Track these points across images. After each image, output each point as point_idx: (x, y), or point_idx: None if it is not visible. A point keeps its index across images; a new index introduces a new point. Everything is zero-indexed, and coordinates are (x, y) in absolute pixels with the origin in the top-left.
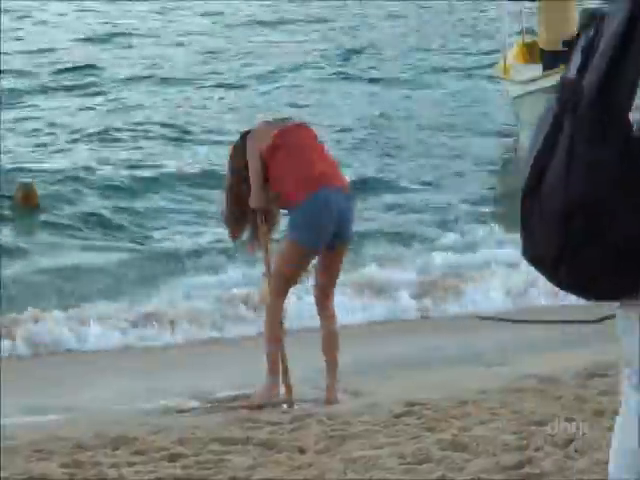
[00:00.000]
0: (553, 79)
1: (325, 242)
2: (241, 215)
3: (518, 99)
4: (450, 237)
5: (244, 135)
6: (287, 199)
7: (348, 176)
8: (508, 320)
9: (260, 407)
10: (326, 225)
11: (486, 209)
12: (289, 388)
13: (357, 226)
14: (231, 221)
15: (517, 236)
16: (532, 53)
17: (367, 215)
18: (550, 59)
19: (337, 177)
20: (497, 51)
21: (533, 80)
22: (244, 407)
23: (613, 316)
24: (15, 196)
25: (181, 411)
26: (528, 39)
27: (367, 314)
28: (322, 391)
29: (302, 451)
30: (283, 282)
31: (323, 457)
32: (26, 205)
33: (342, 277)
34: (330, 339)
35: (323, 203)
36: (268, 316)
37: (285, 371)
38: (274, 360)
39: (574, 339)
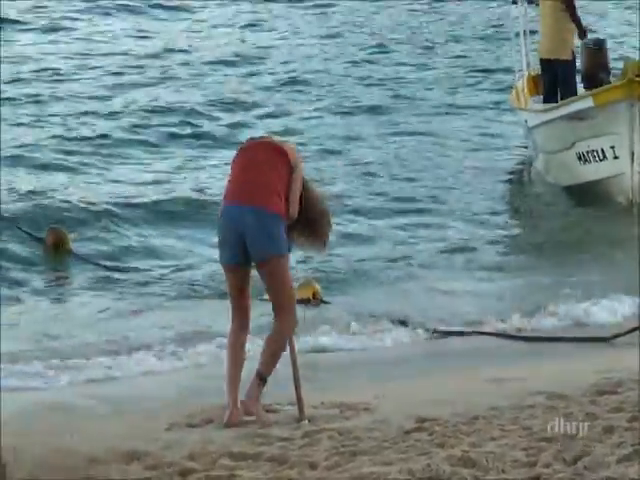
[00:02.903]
0: (569, 108)
1: (235, 259)
2: None
3: (535, 129)
4: None
5: None
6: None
7: None
8: (518, 337)
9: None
10: (227, 241)
11: None
12: (301, 402)
13: None
14: None
15: None
16: (540, 85)
17: None
18: (547, 68)
19: (256, 194)
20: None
21: (551, 109)
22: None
23: (624, 334)
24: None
25: (192, 426)
26: (534, 71)
27: None
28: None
29: (313, 467)
30: (231, 300)
31: (333, 473)
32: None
33: None
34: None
35: (227, 219)
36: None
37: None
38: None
39: (584, 356)
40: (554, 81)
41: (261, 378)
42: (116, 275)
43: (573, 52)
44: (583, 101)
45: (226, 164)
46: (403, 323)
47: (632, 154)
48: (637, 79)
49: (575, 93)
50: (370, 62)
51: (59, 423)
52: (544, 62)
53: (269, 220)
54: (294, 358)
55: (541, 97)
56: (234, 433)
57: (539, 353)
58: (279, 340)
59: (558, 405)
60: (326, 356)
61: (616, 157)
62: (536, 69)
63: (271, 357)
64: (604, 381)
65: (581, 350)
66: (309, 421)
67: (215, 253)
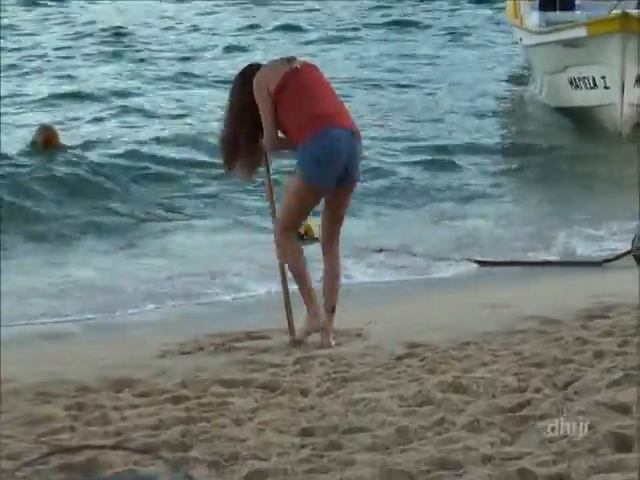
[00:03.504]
0: (566, 33)
1: (334, 181)
2: (239, 144)
3: (531, 48)
4: None
5: (248, 70)
6: (295, 137)
7: None
8: (508, 263)
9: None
10: (335, 163)
11: None
12: (292, 328)
13: None
14: (228, 149)
15: None
16: None
17: None
18: None
19: (345, 118)
20: None
21: (546, 32)
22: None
23: (616, 259)
24: (36, 140)
25: (185, 353)
26: None
27: None
28: None
29: (304, 393)
30: (293, 219)
31: (325, 399)
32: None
33: None
34: (332, 281)
35: (332, 141)
36: (283, 254)
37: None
38: (305, 293)
39: (577, 280)
40: None
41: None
42: None
43: None
44: (577, 29)
45: None
46: (380, 251)
47: (622, 86)
48: (630, 13)
49: (574, 2)
50: None
51: (51, 351)
52: None
53: (360, 144)
54: (285, 283)
55: (537, 2)
56: (226, 360)
57: (532, 278)
58: (335, 259)
59: (550, 330)
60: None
61: (606, 87)
62: None
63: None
64: (595, 305)
65: (574, 274)
66: (300, 347)
67: None
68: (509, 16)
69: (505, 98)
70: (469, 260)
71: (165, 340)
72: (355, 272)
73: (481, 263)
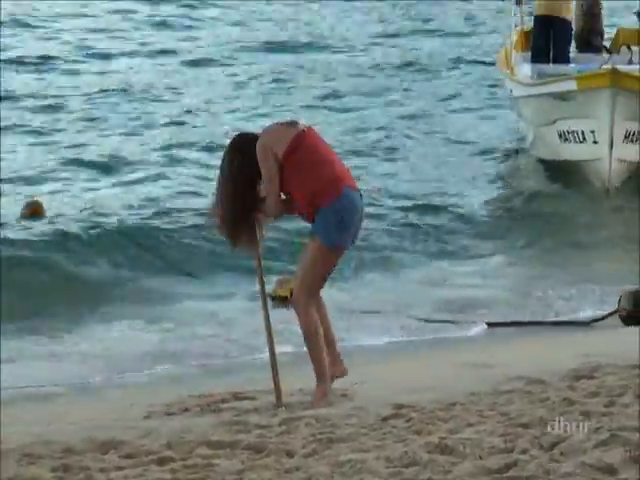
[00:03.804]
0: (557, 85)
1: (351, 242)
2: (242, 220)
3: (521, 99)
4: None
5: (244, 140)
6: (309, 200)
7: None
8: (517, 324)
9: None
10: (355, 225)
11: None
12: (278, 389)
13: None
14: (232, 227)
15: None
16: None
17: None
18: (544, 25)
19: (352, 179)
20: None
21: (536, 84)
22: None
23: (603, 318)
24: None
25: (170, 414)
26: (528, 27)
27: None
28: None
29: (290, 454)
30: (317, 284)
31: (311, 460)
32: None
33: None
34: (325, 318)
35: (351, 203)
36: (309, 322)
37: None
38: (320, 362)
39: (564, 340)
40: (547, 40)
41: None
42: None
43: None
44: (567, 82)
45: None
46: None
47: (611, 141)
48: (620, 69)
49: (568, 55)
50: None
51: (37, 412)
52: (541, 19)
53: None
54: (272, 345)
55: (529, 54)
56: (212, 421)
57: (518, 338)
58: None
59: (536, 390)
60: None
61: (595, 142)
62: (530, 25)
63: None
64: (582, 366)
65: (560, 334)
66: (286, 408)
67: None
68: (500, 66)
69: (495, 151)
70: (480, 322)
71: (151, 401)
72: (346, 334)
73: (492, 325)
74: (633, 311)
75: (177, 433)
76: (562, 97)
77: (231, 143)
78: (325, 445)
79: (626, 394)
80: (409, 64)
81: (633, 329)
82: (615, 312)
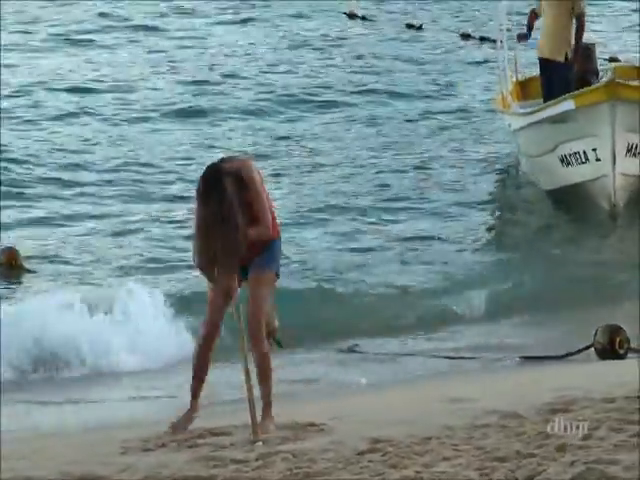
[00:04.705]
0: (554, 108)
1: None
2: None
3: (519, 132)
4: None
5: (219, 170)
6: (273, 232)
7: None
8: (476, 356)
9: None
10: None
11: None
12: (255, 423)
13: None
14: (210, 262)
15: None
16: (527, 90)
17: None
18: (545, 68)
19: None
20: None
21: (534, 111)
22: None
23: (577, 352)
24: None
25: (147, 450)
26: (522, 77)
27: None
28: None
29: None
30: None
31: None
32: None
33: None
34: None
35: None
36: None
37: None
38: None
39: (539, 374)
40: (552, 82)
41: None
42: None
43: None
44: (564, 103)
45: None
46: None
47: (613, 156)
48: (617, 81)
49: None
50: None
51: (14, 448)
52: (544, 62)
53: None
54: (248, 380)
55: (527, 103)
56: (188, 456)
57: (493, 372)
58: None
59: (511, 424)
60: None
61: (598, 159)
62: (525, 75)
63: None
64: (557, 399)
65: (536, 368)
66: (263, 443)
67: None
68: (498, 104)
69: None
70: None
71: (127, 436)
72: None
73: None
74: (608, 345)
75: (154, 468)
76: (561, 120)
77: (216, 176)
78: None
79: (601, 427)
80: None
81: (608, 363)
82: (590, 346)
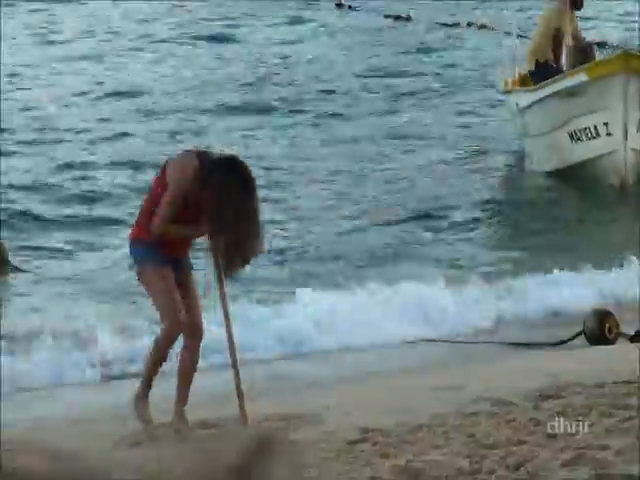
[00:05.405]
0: (567, 81)
1: None
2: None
3: (527, 110)
4: None
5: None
6: None
7: None
8: (467, 342)
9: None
10: None
11: None
12: (244, 415)
13: None
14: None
15: None
16: (526, 85)
17: None
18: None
19: None
20: None
21: (544, 85)
22: None
23: (569, 340)
24: None
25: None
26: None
27: None
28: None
29: None
30: None
31: None
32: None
33: None
34: None
35: None
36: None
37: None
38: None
39: (530, 360)
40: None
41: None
42: None
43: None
44: (577, 76)
45: None
46: None
47: (625, 130)
48: (631, 52)
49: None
50: None
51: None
52: (540, 65)
53: None
54: (236, 370)
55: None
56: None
57: (484, 358)
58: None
59: (502, 411)
60: (268, 367)
61: (609, 134)
62: (524, 69)
63: None
64: (548, 386)
65: (527, 355)
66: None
67: None
68: (505, 88)
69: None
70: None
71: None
72: None
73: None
74: (598, 330)
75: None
76: (572, 93)
77: (202, 161)
78: None
79: (592, 413)
80: None
81: (598, 348)
82: (581, 333)
